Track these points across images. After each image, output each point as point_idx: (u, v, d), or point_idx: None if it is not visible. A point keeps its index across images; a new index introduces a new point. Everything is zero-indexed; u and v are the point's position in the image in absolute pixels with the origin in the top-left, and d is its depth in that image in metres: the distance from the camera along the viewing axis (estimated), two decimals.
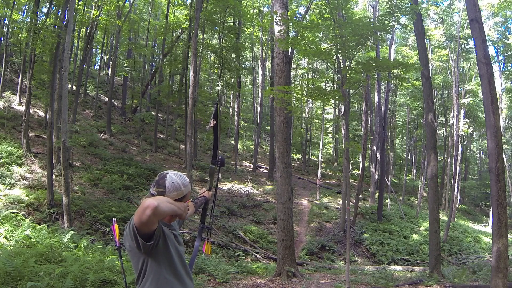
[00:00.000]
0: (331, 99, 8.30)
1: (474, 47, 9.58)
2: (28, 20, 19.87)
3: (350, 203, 16.98)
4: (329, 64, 8.56)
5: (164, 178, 2.03)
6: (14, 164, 12.23)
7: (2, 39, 20.56)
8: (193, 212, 2.60)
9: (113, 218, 2.32)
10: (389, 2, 7.76)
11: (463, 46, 24.78)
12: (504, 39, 23.72)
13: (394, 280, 9.50)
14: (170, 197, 2.01)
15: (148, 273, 1.94)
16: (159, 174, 2.08)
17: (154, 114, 23.62)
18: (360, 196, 19.04)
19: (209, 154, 26.72)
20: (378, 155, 21.42)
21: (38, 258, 5.58)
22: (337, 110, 21.16)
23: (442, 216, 20.76)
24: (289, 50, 9.65)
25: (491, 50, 25.03)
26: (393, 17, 7.69)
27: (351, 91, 21.68)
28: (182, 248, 2.14)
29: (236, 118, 26.54)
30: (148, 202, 1.73)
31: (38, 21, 15.64)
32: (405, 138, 37.11)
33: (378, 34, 8.18)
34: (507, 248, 6.55)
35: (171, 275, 1.97)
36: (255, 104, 31.69)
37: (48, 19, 15.53)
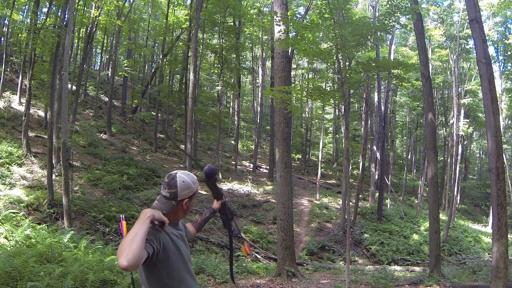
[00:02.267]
0: (331, 99, 8.30)
1: (474, 47, 9.58)
2: (28, 20, 19.90)
3: (350, 203, 16.98)
4: (329, 64, 8.56)
5: (174, 178, 2.04)
6: (14, 164, 12.22)
7: (2, 39, 20.56)
8: (198, 229, 2.59)
9: (121, 215, 2.33)
10: (389, 2, 7.76)
11: (463, 46, 24.78)
12: (504, 39, 23.72)
13: (394, 280, 9.50)
14: (182, 196, 2.02)
15: (150, 280, 1.96)
16: (167, 175, 2.09)
17: (154, 114, 23.63)
18: (360, 196, 19.04)
19: (209, 154, 26.71)
20: (378, 155, 21.42)
21: (38, 258, 5.57)
22: (337, 110, 21.16)
23: (442, 216, 20.76)
24: (289, 50, 9.64)
25: (491, 50, 25.06)
26: (393, 17, 7.69)
27: (351, 91, 21.72)
28: (187, 250, 2.15)
29: (236, 118, 26.54)
30: (119, 260, 1.59)
31: (38, 21, 15.64)
32: (405, 138, 37.12)
33: (378, 34, 8.18)
34: (507, 248, 6.55)
35: (174, 281, 1.98)
36: (255, 104, 31.69)
37: (48, 19, 15.53)
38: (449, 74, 27.29)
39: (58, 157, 12.26)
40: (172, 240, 1.99)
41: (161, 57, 24.13)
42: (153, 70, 28.85)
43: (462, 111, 24.39)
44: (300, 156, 32.93)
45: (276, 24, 8.63)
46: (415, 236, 17.43)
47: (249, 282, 8.26)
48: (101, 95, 27.62)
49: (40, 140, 15.47)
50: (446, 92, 30.91)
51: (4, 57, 18.68)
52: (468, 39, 24.25)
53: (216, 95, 27.55)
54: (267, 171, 24.07)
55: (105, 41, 30.27)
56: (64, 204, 9.54)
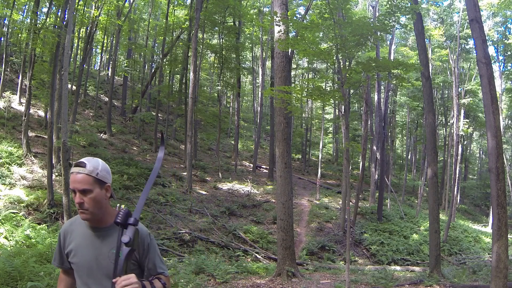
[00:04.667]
0: (331, 99, 8.30)
1: (474, 47, 9.58)
2: (28, 20, 19.86)
3: (350, 203, 16.98)
4: (329, 64, 8.57)
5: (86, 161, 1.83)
6: (14, 164, 12.22)
7: (2, 39, 20.55)
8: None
9: None
10: (389, 2, 7.77)
11: (463, 46, 24.79)
12: (504, 39, 23.72)
13: (394, 280, 9.49)
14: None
15: None
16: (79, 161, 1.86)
17: (154, 114, 23.63)
18: (360, 196, 19.03)
19: (209, 154, 26.68)
20: (378, 155, 21.42)
21: (38, 258, 5.58)
22: (337, 110, 21.15)
23: (442, 216, 20.76)
24: (289, 50, 9.64)
25: (491, 50, 25.07)
26: (393, 17, 7.70)
27: (351, 91, 21.73)
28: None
29: (236, 118, 26.53)
30: None
31: (38, 21, 15.63)
32: (405, 138, 37.14)
33: (378, 34, 8.18)
34: (507, 248, 6.55)
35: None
36: (255, 104, 31.69)
37: (48, 19, 15.53)
38: (449, 74, 27.29)
39: (58, 157, 12.25)
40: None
41: (161, 57, 24.14)
42: (153, 70, 28.85)
43: (462, 111, 24.39)
44: (300, 156, 32.93)
45: (276, 24, 8.63)
46: (415, 236, 17.43)
47: (249, 282, 8.25)
48: (101, 95, 27.62)
49: (40, 140, 15.46)
50: (446, 92, 30.93)
51: (4, 57, 18.67)
52: (468, 39, 24.26)
53: (216, 95, 27.59)
54: (267, 171, 24.07)
55: (105, 41, 30.27)
56: (64, 204, 9.53)
